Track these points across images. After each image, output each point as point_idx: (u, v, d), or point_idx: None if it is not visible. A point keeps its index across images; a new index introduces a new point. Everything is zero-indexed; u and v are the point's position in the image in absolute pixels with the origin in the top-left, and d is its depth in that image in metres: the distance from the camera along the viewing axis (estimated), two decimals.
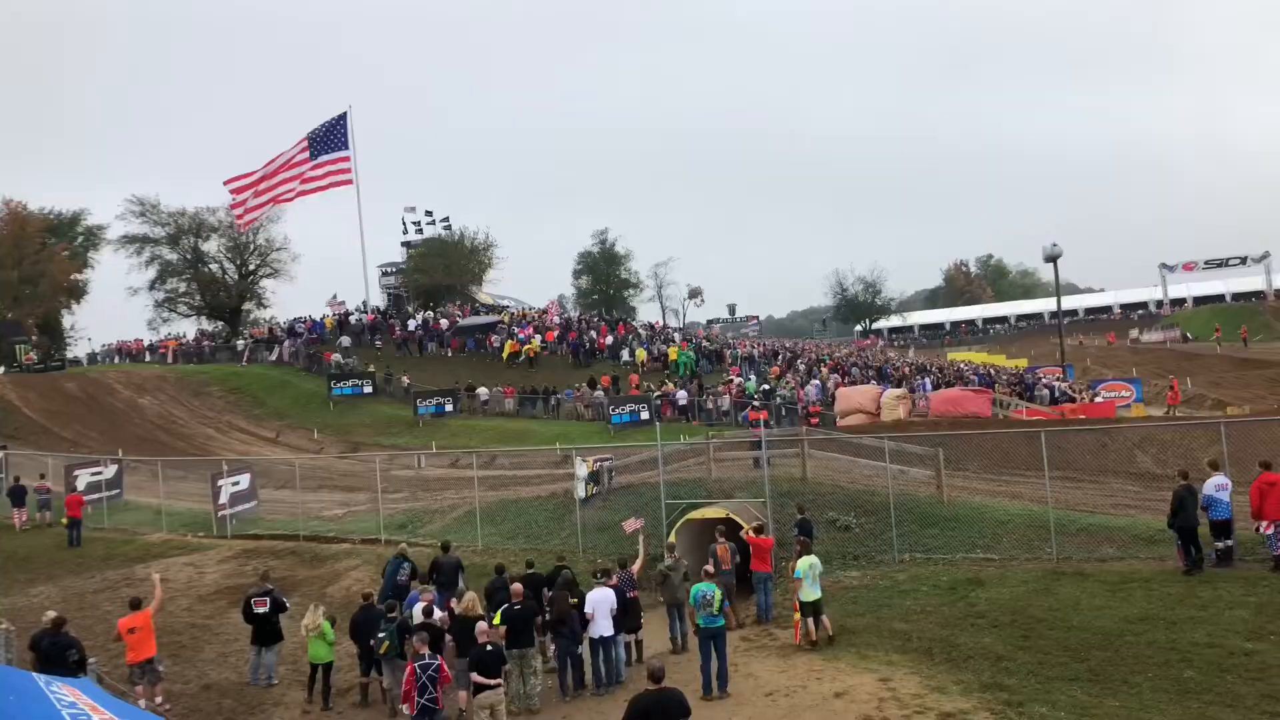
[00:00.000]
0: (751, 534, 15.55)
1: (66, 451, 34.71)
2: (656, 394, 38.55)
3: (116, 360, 58.03)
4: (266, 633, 14.59)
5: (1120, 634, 12.09)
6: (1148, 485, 20.80)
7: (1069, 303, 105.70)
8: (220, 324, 65.88)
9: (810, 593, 13.43)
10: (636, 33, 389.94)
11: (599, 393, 39.98)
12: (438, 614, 13.52)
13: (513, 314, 57.90)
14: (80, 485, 26.15)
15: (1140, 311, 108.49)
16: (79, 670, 11.63)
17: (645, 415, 36.55)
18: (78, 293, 71.52)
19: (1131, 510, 18.45)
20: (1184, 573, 13.82)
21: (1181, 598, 12.99)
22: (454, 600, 14.23)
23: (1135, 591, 13.48)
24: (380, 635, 12.99)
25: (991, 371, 54.50)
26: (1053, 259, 52.82)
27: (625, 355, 47.73)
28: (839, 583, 15.84)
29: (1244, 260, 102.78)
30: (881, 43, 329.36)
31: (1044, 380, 45.75)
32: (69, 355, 64.00)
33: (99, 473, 27.59)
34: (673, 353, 46.32)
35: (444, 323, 53.91)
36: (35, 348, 60.34)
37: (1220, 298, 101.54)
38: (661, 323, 73.67)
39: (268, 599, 14.59)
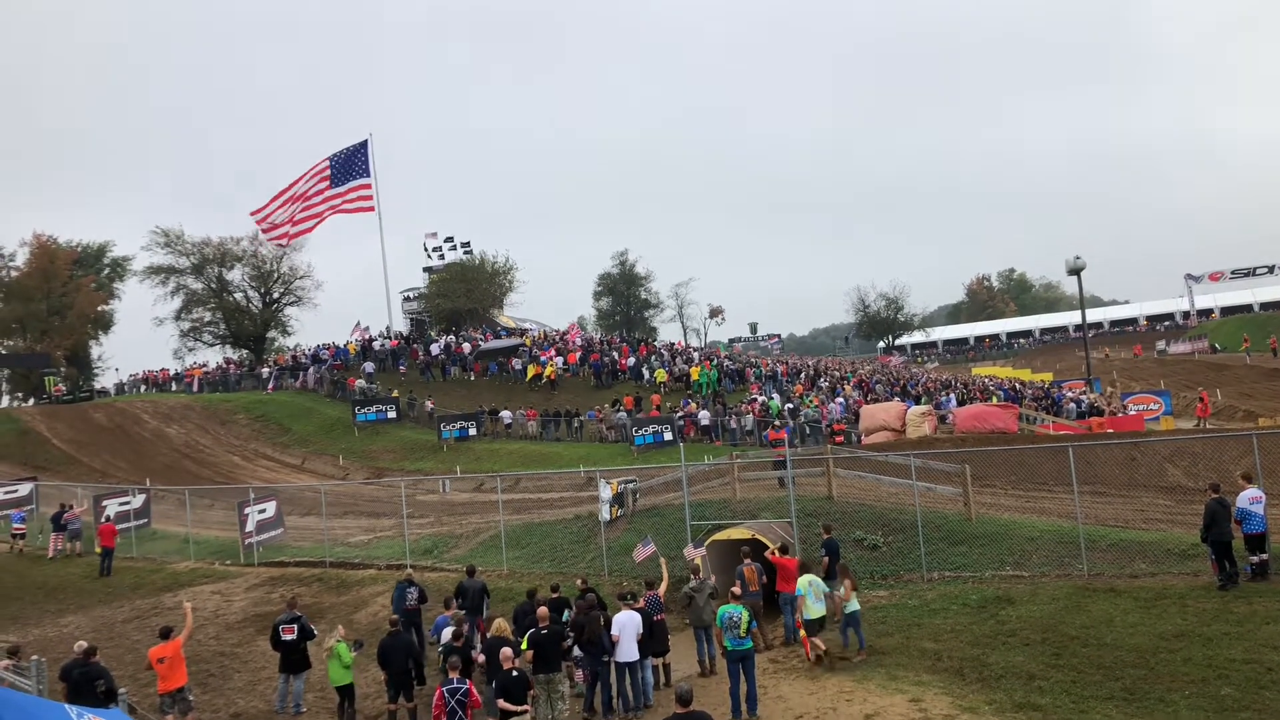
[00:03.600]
0: (777, 554, 15.46)
1: (95, 481, 35.08)
2: (679, 414, 38.49)
3: (143, 390, 58.68)
4: (294, 660, 14.62)
5: (1155, 651, 11.91)
6: (1179, 499, 20.56)
7: (1094, 315, 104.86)
8: (245, 352, 66.50)
9: (814, 609, 13.40)
10: (655, 52, 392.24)
11: (621, 414, 39.95)
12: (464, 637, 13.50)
13: (534, 337, 58.08)
14: (109, 515, 26.38)
15: (1166, 323, 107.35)
16: (108, 701, 11.69)
17: (668, 436, 36.48)
18: (105, 323, 72.66)
19: (1163, 525, 18.24)
20: (1219, 588, 13.63)
21: (1217, 613, 12.80)
22: (483, 623, 14.26)
23: (1169, 607, 13.30)
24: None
25: (1017, 386, 54.08)
26: (1076, 272, 52.45)
27: (647, 375, 47.73)
28: (868, 602, 15.69)
29: (1271, 269, 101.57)
30: (897, 56, 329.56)
31: (1070, 394, 45.32)
32: (97, 386, 64.76)
33: (127, 502, 27.82)
34: (694, 372, 46.26)
35: (466, 347, 54.14)
36: (64, 379, 61.14)
37: (1248, 308, 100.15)
38: (683, 343, 73.67)
39: (295, 626, 14.62)
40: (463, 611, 15.21)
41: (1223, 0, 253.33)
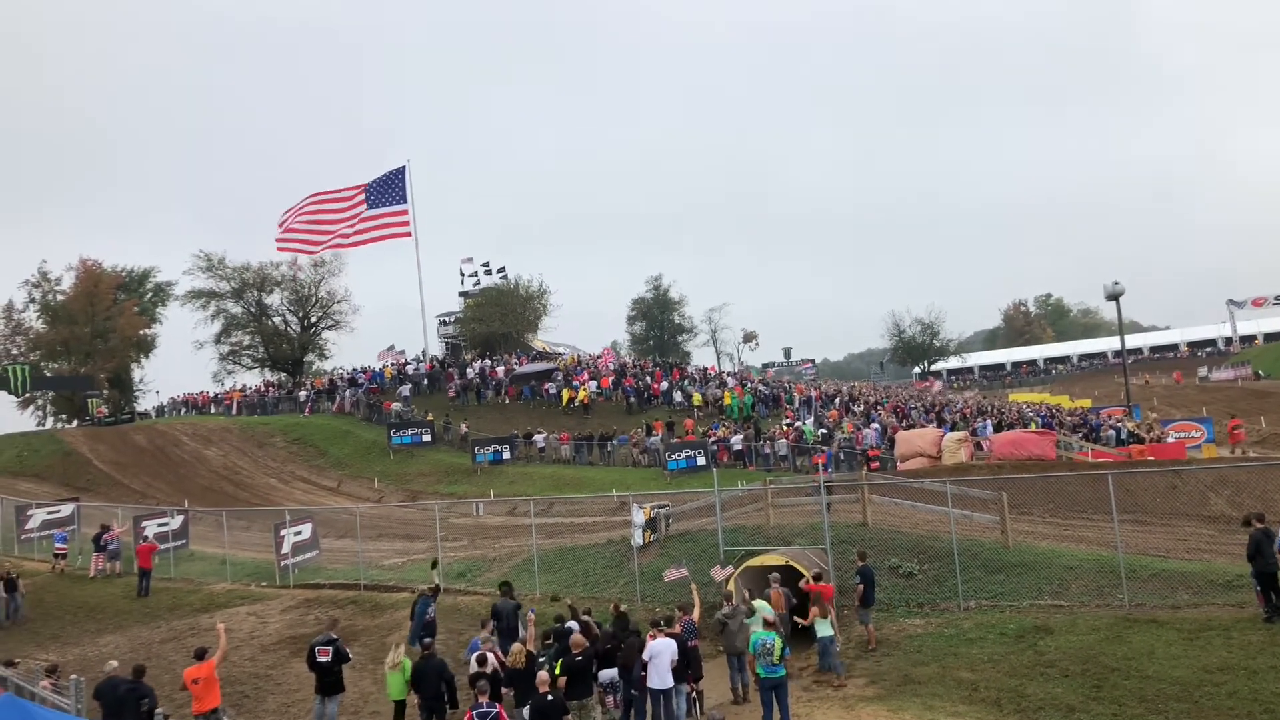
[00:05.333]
0: (810, 583, 15.36)
1: (135, 503, 35.54)
2: (713, 440, 38.38)
3: (183, 412, 59.49)
4: (329, 683, 14.60)
5: (1199, 684, 11.66)
6: (1222, 529, 20.17)
7: (1133, 341, 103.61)
8: (283, 375, 67.23)
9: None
10: (690, 79, 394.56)
11: (655, 438, 39.91)
12: (491, 662, 13.46)
13: (566, 361, 58.26)
14: (148, 535, 26.70)
15: (1209, 349, 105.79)
16: None
17: (701, 461, 36.36)
18: (147, 347, 73.66)
19: (1206, 555, 17.90)
20: (1264, 620, 13.33)
21: (1263, 646, 12.52)
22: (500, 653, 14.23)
23: (1213, 639, 13.03)
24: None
25: (1055, 412, 53.42)
26: (1115, 297, 51.92)
27: (678, 397, 47.71)
28: (903, 630, 15.53)
29: None
30: (930, 78, 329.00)
31: (1109, 421, 44.73)
32: (138, 408, 65.68)
33: (166, 523, 28.12)
34: (727, 397, 46.19)
35: (500, 370, 54.42)
36: (106, 401, 62.08)
37: None
38: (716, 368, 73.55)
39: (330, 648, 14.63)
40: (493, 637, 15.18)
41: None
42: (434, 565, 17.78)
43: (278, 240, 56.65)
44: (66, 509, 31.31)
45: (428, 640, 14.83)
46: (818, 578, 15.56)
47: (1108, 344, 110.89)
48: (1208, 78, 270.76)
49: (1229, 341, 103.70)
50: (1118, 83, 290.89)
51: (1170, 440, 38.14)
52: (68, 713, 10.72)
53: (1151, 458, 31.33)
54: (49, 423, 67.65)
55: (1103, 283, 53.04)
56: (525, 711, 11.91)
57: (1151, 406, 57.86)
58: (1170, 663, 12.46)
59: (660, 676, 12.82)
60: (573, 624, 13.38)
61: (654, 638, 13.08)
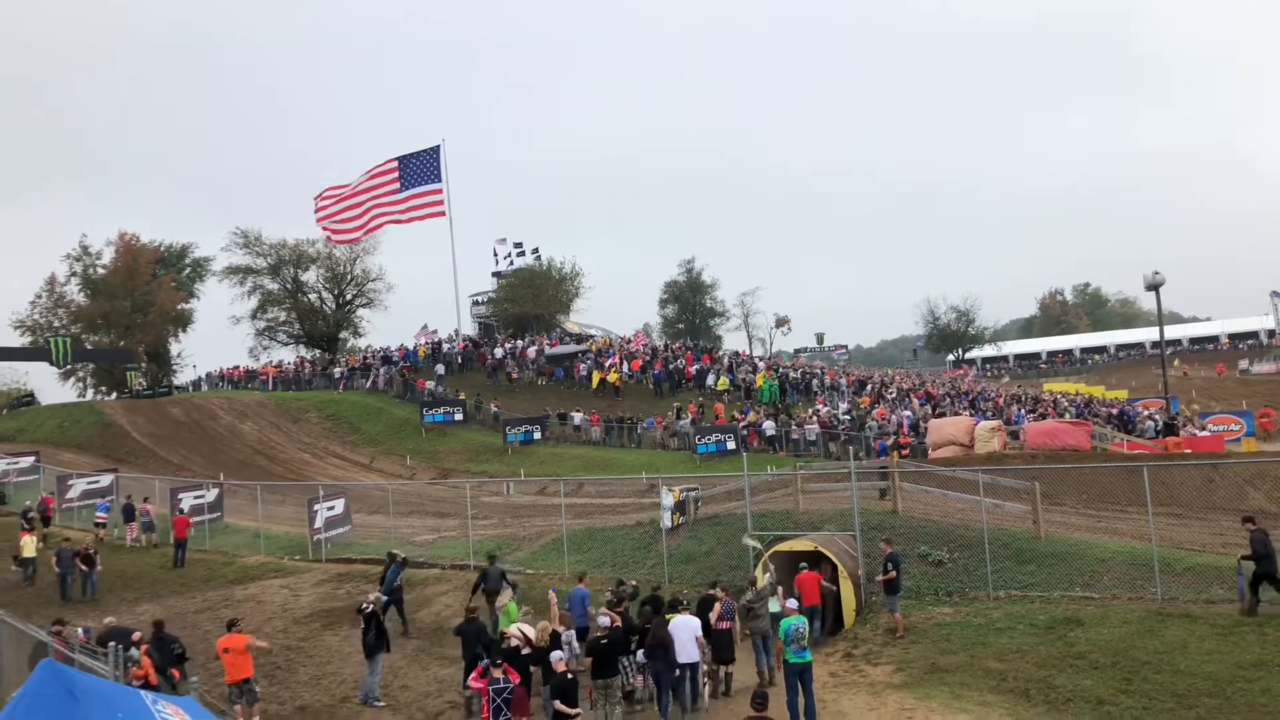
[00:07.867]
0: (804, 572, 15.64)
1: (172, 474, 36.10)
2: (743, 424, 38.31)
3: (219, 387, 60.24)
4: (365, 645, 14.93)
5: (1232, 680, 11.53)
6: (1260, 524, 19.81)
7: (1173, 332, 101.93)
8: (318, 352, 67.82)
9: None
10: (728, 66, 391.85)
11: (684, 421, 39.90)
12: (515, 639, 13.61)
13: (598, 343, 58.31)
14: (184, 508, 27.14)
15: (1250, 341, 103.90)
16: (182, 661, 13.25)
17: (731, 445, 36.31)
18: (184, 321, 74.60)
19: (1243, 550, 17.59)
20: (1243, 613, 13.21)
21: None
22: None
23: (1248, 635, 12.85)
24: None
25: (1092, 402, 52.79)
26: (1154, 287, 50.90)
27: (711, 380, 47.65)
28: (931, 619, 15.46)
29: None
30: (963, 75, 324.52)
31: (1145, 412, 44.10)
32: (175, 382, 66.60)
33: (201, 496, 28.60)
34: (759, 380, 46.08)
35: (531, 351, 54.57)
36: (144, 374, 63.01)
37: None
38: (747, 351, 73.28)
39: (361, 616, 15.05)
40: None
41: None
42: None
43: (327, 233, 57.33)
44: (106, 479, 31.92)
45: (473, 605, 15.28)
46: (803, 567, 15.79)
47: (1146, 334, 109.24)
48: (1254, 62, 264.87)
49: (1272, 334, 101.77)
50: (1164, 68, 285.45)
51: (1208, 433, 37.57)
52: (106, 678, 10.94)
53: (1189, 450, 30.90)
54: (89, 394, 68.87)
55: (1142, 273, 52.12)
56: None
57: (1190, 399, 57.00)
58: (1203, 658, 12.32)
59: (685, 651, 13.00)
60: (604, 618, 13.51)
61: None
